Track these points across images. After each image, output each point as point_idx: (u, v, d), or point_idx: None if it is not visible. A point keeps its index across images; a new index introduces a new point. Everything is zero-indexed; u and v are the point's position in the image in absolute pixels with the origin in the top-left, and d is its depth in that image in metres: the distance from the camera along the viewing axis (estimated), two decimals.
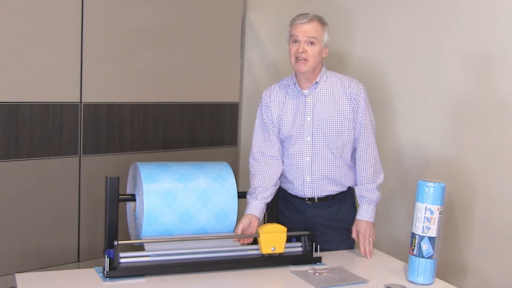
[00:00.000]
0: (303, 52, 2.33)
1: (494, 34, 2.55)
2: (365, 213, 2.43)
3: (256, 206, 2.39)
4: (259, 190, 2.41)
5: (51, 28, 3.02)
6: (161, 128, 3.52)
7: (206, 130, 3.72)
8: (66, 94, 3.12)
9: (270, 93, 2.52)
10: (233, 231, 2.35)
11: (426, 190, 2.08)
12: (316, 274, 2.14)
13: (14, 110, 2.96)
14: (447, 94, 2.74)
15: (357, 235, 2.42)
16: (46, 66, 3.03)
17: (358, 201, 2.47)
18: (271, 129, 2.48)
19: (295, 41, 2.36)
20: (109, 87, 3.27)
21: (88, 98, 3.19)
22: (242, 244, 2.30)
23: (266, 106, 2.51)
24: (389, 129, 3.01)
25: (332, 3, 3.33)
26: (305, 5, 3.56)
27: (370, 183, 2.44)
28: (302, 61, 2.34)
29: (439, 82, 2.79)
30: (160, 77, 3.47)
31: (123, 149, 3.37)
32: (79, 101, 3.17)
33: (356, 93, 2.41)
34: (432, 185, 2.07)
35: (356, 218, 2.44)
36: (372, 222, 2.42)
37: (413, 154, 2.94)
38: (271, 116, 2.48)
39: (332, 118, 2.40)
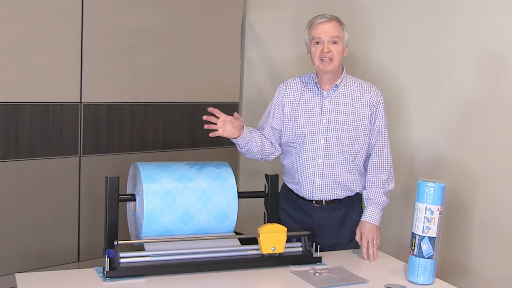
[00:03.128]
0: (328, 51, 2.30)
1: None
2: (370, 215, 2.40)
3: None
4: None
5: (51, 28, 3.02)
6: (161, 128, 3.52)
7: (206, 130, 3.70)
8: (66, 94, 3.12)
9: (286, 87, 2.48)
10: (233, 231, 2.35)
11: (426, 190, 2.08)
12: (316, 274, 2.14)
13: (14, 110, 2.96)
14: (456, 95, 2.74)
15: (361, 238, 2.39)
16: (46, 66, 3.03)
17: (365, 203, 2.45)
18: (270, 120, 2.48)
19: (318, 43, 2.32)
20: (109, 87, 3.27)
21: (88, 98, 3.19)
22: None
23: (278, 99, 2.48)
24: (394, 128, 3.00)
25: (334, 4, 3.34)
26: (304, 5, 3.57)
27: (379, 188, 2.42)
28: (328, 60, 2.31)
29: (448, 84, 2.78)
30: (160, 77, 3.47)
31: (123, 149, 3.37)
32: (79, 101, 3.17)
33: (376, 100, 2.38)
34: (432, 185, 2.07)
35: (360, 220, 2.42)
36: (376, 226, 2.39)
37: (415, 154, 2.94)
38: (284, 106, 2.46)
39: (348, 123, 2.37)
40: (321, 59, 2.31)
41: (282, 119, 2.47)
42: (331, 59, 2.30)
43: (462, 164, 2.71)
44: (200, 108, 3.66)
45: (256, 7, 3.84)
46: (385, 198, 2.42)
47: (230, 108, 3.80)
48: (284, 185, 2.57)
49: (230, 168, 2.40)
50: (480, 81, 2.63)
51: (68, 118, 3.14)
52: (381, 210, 2.42)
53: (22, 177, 3.03)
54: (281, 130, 2.49)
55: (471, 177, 2.67)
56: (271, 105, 2.51)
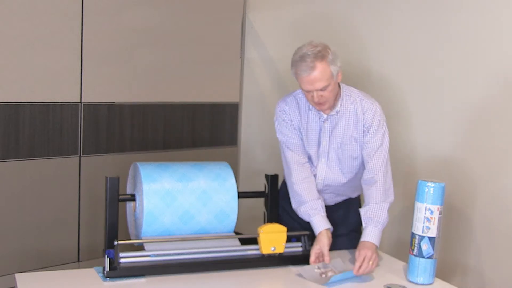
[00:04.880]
0: (319, 99, 2.22)
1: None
2: (370, 235, 2.23)
3: (323, 219, 2.32)
4: (314, 203, 2.34)
5: (51, 28, 3.02)
6: (161, 128, 3.52)
7: (206, 130, 3.72)
8: (66, 94, 3.12)
9: (289, 107, 2.39)
10: (233, 231, 2.35)
11: (426, 190, 2.08)
12: (323, 275, 2.13)
13: (14, 110, 2.96)
14: (456, 95, 2.73)
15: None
16: (46, 66, 3.03)
17: (364, 223, 2.29)
18: (294, 132, 2.39)
19: (307, 91, 2.24)
20: (109, 87, 3.27)
21: (88, 98, 3.19)
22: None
23: (286, 114, 2.39)
24: (395, 129, 3.01)
25: (333, 5, 3.33)
26: (304, 6, 3.57)
27: (378, 204, 2.28)
28: (322, 103, 2.25)
29: (448, 84, 2.78)
30: (160, 77, 3.47)
31: (123, 149, 3.37)
32: (79, 101, 3.17)
33: (369, 122, 2.31)
34: (432, 185, 2.07)
35: (360, 240, 2.26)
36: (376, 246, 2.23)
37: (415, 154, 2.94)
38: (292, 124, 2.39)
39: (346, 144, 2.34)
40: (315, 102, 2.26)
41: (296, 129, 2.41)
42: (325, 101, 2.25)
43: (462, 164, 2.70)
44: (200, 108, 3.66)
45: (256, 7, 3.84)
46: (386, 216, 2.28)
47: (230, 108, 3.81)
48: (284, 184, 2.55)
49: (230, 168, 2.40)
50: (481, 82, 2.63)
51: (68, 118, 3.14)
52: (381, 231, 2.26)
53: (22, 177, 3.03)
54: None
55: (471, 177, 2.67)
56: (281, 130, 2.41)
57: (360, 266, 2.13)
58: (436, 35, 2.82)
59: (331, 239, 2.27)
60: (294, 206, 2.39)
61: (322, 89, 2.21)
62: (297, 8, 3.62)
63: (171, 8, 3.46)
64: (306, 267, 2.20)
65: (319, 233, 2.27)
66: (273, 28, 3.78)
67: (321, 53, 2.19)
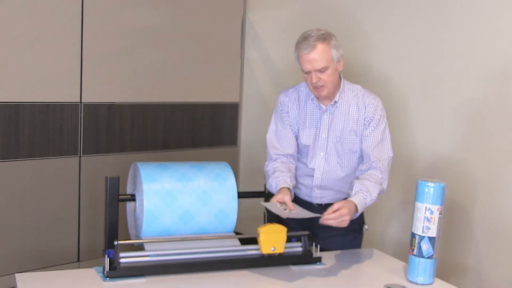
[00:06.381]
0: (317, 81, 2.24)
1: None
2: (357, 200, 2.19)
3: (285, 177, 2.31)
4: (283, 174, 2.33)
5: (51, 28, 3.02)
6: (161, 128, 3.52)
7: (206, 130, 3.72)
8: (66, 94, 3.12)
9: (289, 99, 2.42)
10: (233, 231, 2.35)
11: (426, 190, 2.08)
12: (285, 211, 2.15)
13: (14, 110, 2.96)
14: (457, 95, 2.74)
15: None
16: (46, 66, 3.03)
17: (354, 191, 2.24)
18: (287, 125, 2.41)
19: (306, 72, 2.26)
20: (109, 87, 3.27)
21: (88, 98, 3.20)
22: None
23: (283, 106, 2.43)
24: (395, 129, 3.00)
25: (333, 5, 3.33)
26: (304, 5, 3.57)
27: (375, 183, 2.27)
28: (320, 87, 2.26)
29: (448, 84, 2.78)
30: (160, 77, 3.47)
31: (123, 149, 3.37)
32: (79, 101, 3.17)
33: (370, 116, 2.33)
34: (432, 185, 2.07)
35: (348, 198, 2.22)
36: (356, 211, 2.18)
37: (415, 154, 2.94)
38: (289, 116, 2.42)
39: (346, 137, 2.35)
40: (314, 87, 2.27)
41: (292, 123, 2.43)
42: (323, 86, 2.26)
43: (462, 164, 2.71)
44: (200, 108, 3.66)
45: (256, 7, 3.84)
46: (375, 196, 2.25)
47: (230, 108, 3.81)
48: None
49: (230, 168, 2.40)
50: (481, 82, 2.63)
51: (68, 118, 3.14)
52: (365, 206, 2.22)
53: (22, 177, 3.03)
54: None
55: (471, 177, 2.67)
56: (279, 115, 2.43)
57: (327, 217, 2.11)
58: (436, 34, 2.82)
59: (292, 196, 2.26)
60: (266, 181, 2.39)
61: (321, 71, 2.23)
62: (297, 8, 3.63)
63: (171, 8, 3.46)
64: (268, 203, 2.22)
65: (281, 187, 2.26)
66: (273, 28, 3.78)
67: (324, 36, 2.24)
